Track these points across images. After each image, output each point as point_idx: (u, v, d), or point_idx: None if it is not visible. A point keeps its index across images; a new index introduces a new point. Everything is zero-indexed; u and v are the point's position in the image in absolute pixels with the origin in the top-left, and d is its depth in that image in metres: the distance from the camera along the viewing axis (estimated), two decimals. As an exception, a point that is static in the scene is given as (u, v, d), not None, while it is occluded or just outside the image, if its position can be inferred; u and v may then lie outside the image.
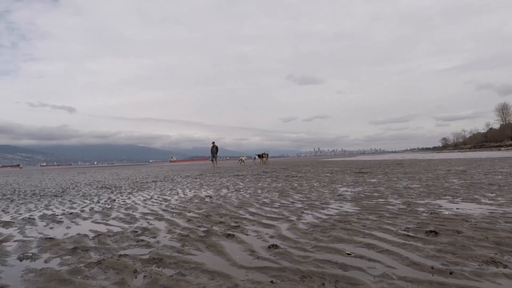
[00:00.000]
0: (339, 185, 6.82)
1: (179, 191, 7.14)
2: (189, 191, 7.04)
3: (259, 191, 6.39)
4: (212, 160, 24.98)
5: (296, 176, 10.06)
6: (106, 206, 5.14)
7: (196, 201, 5.33)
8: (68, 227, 3.59)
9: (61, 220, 4.06)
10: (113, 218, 3.98)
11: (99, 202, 5.64)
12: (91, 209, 4.88)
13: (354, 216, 3.40)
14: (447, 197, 4.56)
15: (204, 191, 6.89)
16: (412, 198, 4.59)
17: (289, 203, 4.67)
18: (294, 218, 3.50)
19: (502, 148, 54.90)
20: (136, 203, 5.32)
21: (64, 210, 4.89)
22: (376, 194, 5.18)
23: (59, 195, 7.28)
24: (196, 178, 11.19)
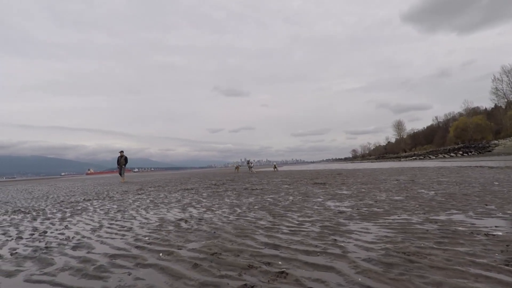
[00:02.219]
0: (320, 199, 6.26)
1: (132, 212, 5.63)
2: (147, 212, 5.61)
3: (237, 209, 5.38)
4: (121, 174, 20.26)
5: (257, 189, 9.26)
6: (38, 244, 3.51)
7: (170, 227, 4.08)
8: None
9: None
10: (63, 270, 2.55)
11: (21, 238, 3.90)
12: (13, 251, 3.23)
13: (408, 243, 2.77)
14: (453, 211, 4.32)
15: (167, 211, 5.56)
16: (421, 213, 4.23)
17: (295, 225, 3.85)
18: (336, 250, 2.70)
19: (402, 159, 63.51)
20: (84, 236, 3.80)
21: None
22: (376, 209, 4.72)
23: None
24: (139, 194, 9.45)
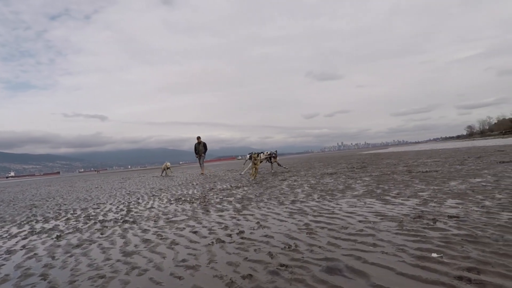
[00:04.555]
0: None
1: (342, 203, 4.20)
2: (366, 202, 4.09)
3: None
4: (200, 164, 16.27)
5: (431, 171, 6.84)
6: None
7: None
8: None
9: None
10: None
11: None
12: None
13: None
14: None
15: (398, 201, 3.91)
16: None
17: None
18: None
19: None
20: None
21: None
22: None
23: (129, 219, 4.58)
24: (283, 180, 8.26)
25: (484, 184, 4.68)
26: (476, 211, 3.11)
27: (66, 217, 5.17)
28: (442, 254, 2.04)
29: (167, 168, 17.92)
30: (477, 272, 1.73)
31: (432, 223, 2.80)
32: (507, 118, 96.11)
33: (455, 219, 2.87)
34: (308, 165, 16.60)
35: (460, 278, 1.68)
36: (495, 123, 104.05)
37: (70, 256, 2.87)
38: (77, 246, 3.22)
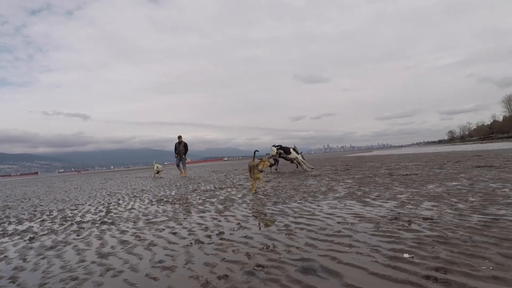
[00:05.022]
0: None
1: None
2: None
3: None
4: (179, 166, 15.54)
5: (411, 174, 7.04)
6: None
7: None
8: None
9: None
10: None
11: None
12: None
13: None
14: None
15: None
16: None
17: None
18: None
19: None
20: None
21: None
22: None
23: (107, 220, 4.49)
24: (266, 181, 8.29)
25: (459, 187, 4.84)
26: (450, 213, 3.22)
27: (41, 219, 5.01)
28: (413, 255, 2.10)
29: (157, 172, 16.98)
30: (444, 271, 1.80)
31: (407, 225, 2.87)
32: (485, 124, 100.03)
33: (429, 221, 2.96)
34: (293, 166, 16.69)
35: (427, 277, 1.74)
36: (474, 128, 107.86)
37: (43, 258, 2.78)
38: (51, 248, 3.13)
